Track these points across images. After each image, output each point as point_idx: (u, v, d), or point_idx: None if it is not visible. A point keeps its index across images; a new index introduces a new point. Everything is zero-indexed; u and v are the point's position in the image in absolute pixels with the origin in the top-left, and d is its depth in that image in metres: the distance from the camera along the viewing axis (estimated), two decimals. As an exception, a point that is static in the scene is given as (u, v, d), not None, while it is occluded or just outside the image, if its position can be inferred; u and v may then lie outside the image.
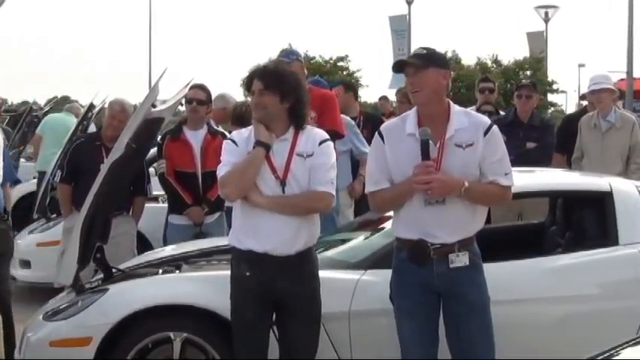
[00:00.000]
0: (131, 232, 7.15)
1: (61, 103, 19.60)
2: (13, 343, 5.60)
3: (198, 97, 7.04)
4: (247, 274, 4.45)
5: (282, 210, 4.43)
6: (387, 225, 5.60)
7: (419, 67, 4.35)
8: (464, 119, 4.38)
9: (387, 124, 4.57)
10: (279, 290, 4.46)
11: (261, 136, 4.44)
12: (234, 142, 4.52)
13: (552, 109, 39.38)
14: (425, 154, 4.26)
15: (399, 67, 4.47)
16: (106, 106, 9.52)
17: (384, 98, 16.26)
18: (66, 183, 7.08)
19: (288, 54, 7.04)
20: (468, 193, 4.28)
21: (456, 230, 4.36)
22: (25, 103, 25.16)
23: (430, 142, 4.28)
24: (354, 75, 36.51)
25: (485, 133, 4.34)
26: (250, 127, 4.55)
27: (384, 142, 4.41)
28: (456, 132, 4.33)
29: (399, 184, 4.36)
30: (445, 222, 4.34)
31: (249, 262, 4.45)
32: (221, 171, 4.45)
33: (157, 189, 7.87)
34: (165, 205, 7.59)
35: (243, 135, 4.54)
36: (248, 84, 4.53)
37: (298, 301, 4.51)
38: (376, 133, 4.51)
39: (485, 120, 4.48)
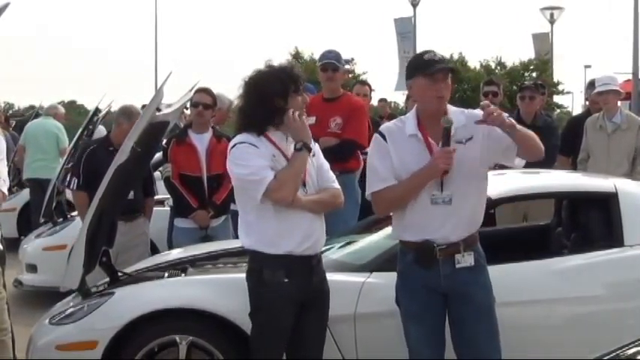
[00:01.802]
0: (147, 233, 7.25)
1: (67, 107, 19.64)
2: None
3: (204, 101, 7.05)
4: (285, 280, 4.40)
5: (318, 208, 4.49)
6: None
7: (447, 72, 4.42)
8: (461, 117, 4.42)
9: (386, 126, 4.55)
10: (310, 290, 4.48)
11: (307, 137, 4.47)
12: (254, 145, 4.43)
13: (558, 110, 39.34)
14: (446, 140, 4.29)
15: (441, 70, 4.41)
16: (112, 109, 9.51)
17: (383, 100, 16.23)
18: (83, 190, 7.01)
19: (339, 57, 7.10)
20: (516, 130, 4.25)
21: (460, 229, 4.38)
22: (31, 107, 25.21)
23: (432, 142, 4.34)
24: (360, 77, 36.54)
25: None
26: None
27: (386, 141, 4.42)
28: (456, 130, 4.36)
29: (410, 179, 4.34)
30: (450, 221, 4.35)
31: (286, 266, 4.40)
32: (264, 175, 4.32)
33: (162, 192, 7.90)
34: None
35: (255, 138, 4.46)
36: (297, 85, 4.50)
37: (319, 299, 4.55)
38: (376, 134, 4.51)
39: (480, 113, 4.48)
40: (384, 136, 4.44)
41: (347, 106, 6.93)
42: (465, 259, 4.38)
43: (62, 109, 13.38)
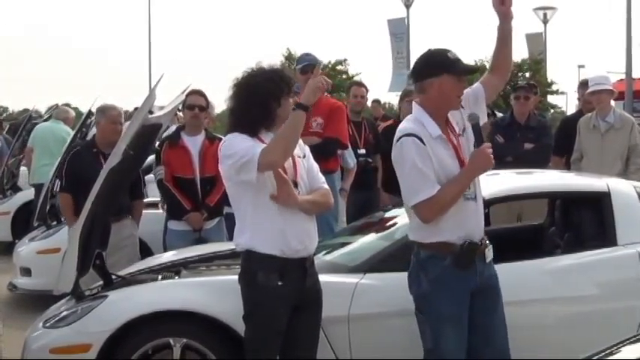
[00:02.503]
0: (135, 235, 7.24)
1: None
2: None
3: (200, 103, 7.09)
4: (279, 283, 4.38)
5: (312, 209, 4.48)
6: (385, 228, 5.62)
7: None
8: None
9: (412, 128, 4.34)
10: (303, 292, 4.47)
11: (308, 100, 4.33)
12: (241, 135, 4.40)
13: (552, 110, 39.38)
14: (479, 137, 4.33)
15: (472, 70, 4.62)
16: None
17: (376, 102, 16.21)
18: (67, 192, 7.06)
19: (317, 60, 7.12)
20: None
21: (482, 222, 4.46)
22: (25, 110, 25.14)
23: (443, 137, 4.34)
24: (353, 78, 36.45)
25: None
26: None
27: (424, 144, 4.29)
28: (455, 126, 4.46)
29: (461, 179, 4.30)
30: (478, 216, 4.42)
31: (280, 269, 4.37)
32: (253, 152, 4.24)
33: (156, 195, 7.90)
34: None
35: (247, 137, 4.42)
36: (290, 87, 4.51)
37: (313, 301, 4.54)
38: (410, 137, 4.29)
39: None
40: (421, 139, 4.29)
41: (327, 107, 6.98)
42: (490, 252, 4.46)
43: (72, 113, 13.22)
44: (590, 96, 8.01)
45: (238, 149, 4.31)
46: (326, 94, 7.27)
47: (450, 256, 4.33)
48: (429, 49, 4.54)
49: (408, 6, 28.70)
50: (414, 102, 4.54)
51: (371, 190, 8.59)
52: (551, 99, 38.14)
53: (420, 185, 4.28)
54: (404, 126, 4.41)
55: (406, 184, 4.35)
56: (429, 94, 4.40)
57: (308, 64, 7.02)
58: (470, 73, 4.50)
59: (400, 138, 4.33)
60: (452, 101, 4.38)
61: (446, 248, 4.34)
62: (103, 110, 7.26)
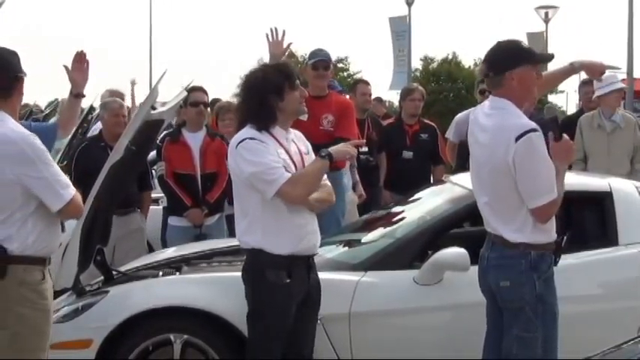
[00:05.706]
0: (143, 228, 7.30)
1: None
2: None
3: (204, 100, 7.15)
4: (287, 281, 4.39)
5: (318, 206, 4.52)
6: (387, 225, 5.61)
7: None
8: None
9: (529, 123, 4.19)
10: (307, 288, 4.50)
11: (340, 155, 4.53)
12: (262, 142, 4.39)
13: (553, 109, 39.39)
14: (558, 130, 4.33)
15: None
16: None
17: (377, 100, 16.14)
18: (75, 187, 7.06)
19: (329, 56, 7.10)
20: None
21: None
22: (26, 105, 25.10)
23: None
24: (354, 76, 36.40)
25: None
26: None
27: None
28: None
29: (561, 175, 4.29)
30: None
31: (288, 266, 4.40)
32: (279, 174, 4.30)
33: (157, 191, 7.89)
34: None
35: (260, 134, 4.42)
36: (292, 80, 4.52)
37: (315, 296, 4.57)
38: (537, 132, 4.14)
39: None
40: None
41: (336, 104, 6.95)
42: None
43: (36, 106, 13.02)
44: (613, 93, 7.83)
45: (264, 161, 4.33)
46: (331, 90, 7.27)
47: (549, 254, 4.34)
48: (499, 42, 4.43)
49: (409, 4, 28.65)
50: (493, 96, 4.36)
51: (373, 189, 8.56)
52: (551, 98, 38.17)
53: (551, 185, 4.20)
54: (516, 121, 4.22)
55: (536, 183, 4.19)
56: (508, 86, 4.26)
57: (320, 60, 7.00)
58: (546, 61, 4.50)
59: (526, 133, 4.12)
60: (532, 92, 4.34)
61: (550, 247, 4.34)
62: (105, 105, 7.42)
